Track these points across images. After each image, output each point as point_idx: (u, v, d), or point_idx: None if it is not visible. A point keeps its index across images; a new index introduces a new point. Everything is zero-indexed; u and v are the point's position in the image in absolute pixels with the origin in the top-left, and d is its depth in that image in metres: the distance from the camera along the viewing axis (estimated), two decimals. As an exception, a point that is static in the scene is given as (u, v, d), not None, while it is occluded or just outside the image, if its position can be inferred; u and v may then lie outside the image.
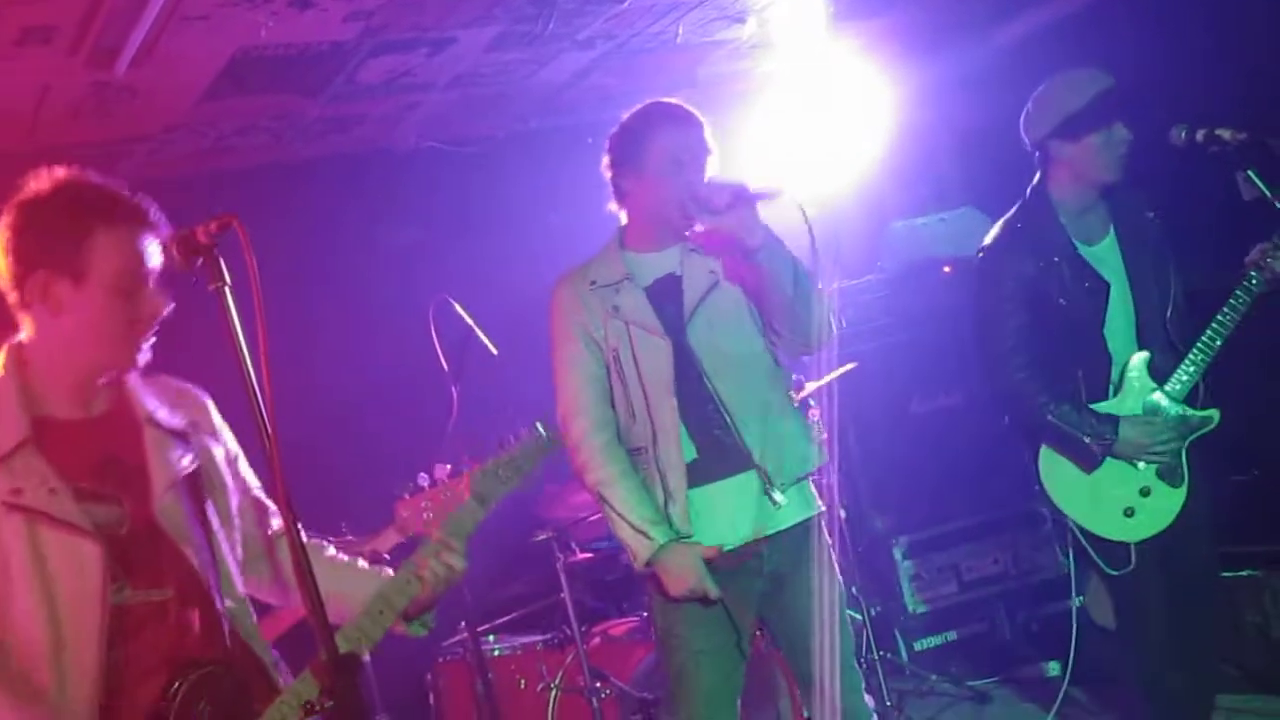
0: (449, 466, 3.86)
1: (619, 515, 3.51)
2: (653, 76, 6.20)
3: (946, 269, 6.32)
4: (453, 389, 4.60)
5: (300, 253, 5.75)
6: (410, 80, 5.53)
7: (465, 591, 4.59)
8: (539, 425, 2.96)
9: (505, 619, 5.27)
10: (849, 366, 5.31)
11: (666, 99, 3.68)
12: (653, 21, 5.41)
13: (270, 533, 2.77)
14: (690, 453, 3.51)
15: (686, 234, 3.62)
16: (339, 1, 4.47)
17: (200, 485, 2.58)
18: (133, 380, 2.59)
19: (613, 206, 3.74)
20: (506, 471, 2.89)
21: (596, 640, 5.01)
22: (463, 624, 4.84)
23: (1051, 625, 6.07)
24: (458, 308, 4.71)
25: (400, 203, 6.44)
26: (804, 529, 3.60)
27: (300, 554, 2.23)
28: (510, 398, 5.69)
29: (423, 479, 4.13)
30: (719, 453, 3.52)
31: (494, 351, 4.72)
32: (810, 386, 5.31)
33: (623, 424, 3.59)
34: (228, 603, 2.54)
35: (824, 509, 3.66)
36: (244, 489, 2.76)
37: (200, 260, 2.26)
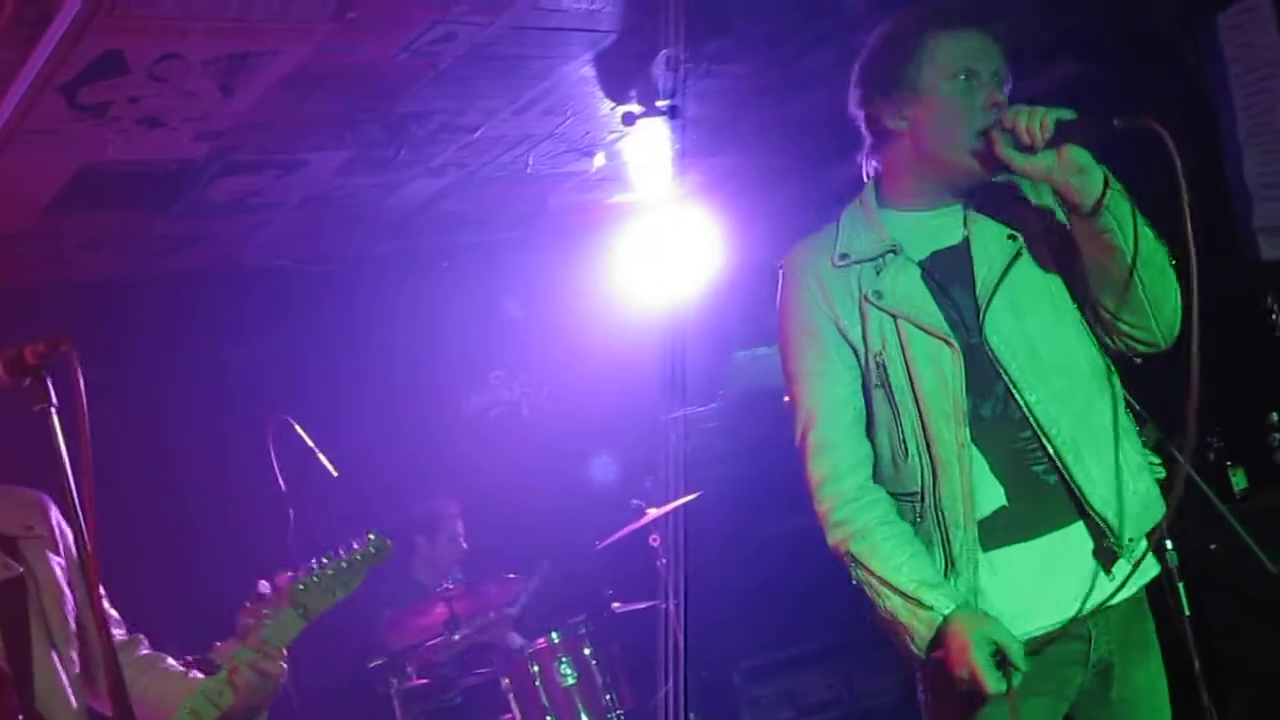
0: (290, 574, 3.88)
1: (879, 581, 2.50)
2: (504, 204, 6.31)
3: (787, 399, 6.48)
4: (290, 510, 4.58)
5: (141, 370, 5.66)
6: (259, 200, 5.53)
7: (297, 717, 4.51)
8: (371, 535, 2.89)
9: (339, 746, 5.16)
10: (692, 496, 5.40)
11: None
12: (504, 151, 5.52)
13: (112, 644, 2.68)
14: (996, 499, 2.52)
15: (971, 186, 2.61)
16: (188, 121, 4.49)
17: (23, 594, 2.49)
18: None
19: (865, 165, 2.74)
20: (331, 584, 2.81)
21: (431, 768, 4.94)
22: (294, 751, 4.73)
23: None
24: (298, 429, 4.70)
25: (246, 321, 6.38)
26: (1139, 600, 2.66)
27: (113, 667, 2.19)
28: (350, 519, 5.67)
29: (264, 586, 4.17)
30: (1040, 498, 2.52)
31: (334, 473, 4.71)
32: (653, 513, 5.40)
33: (885, 461, 2.60)
34: (45, 717, 2.45)
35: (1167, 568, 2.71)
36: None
37: (28, 381, 2.25)
